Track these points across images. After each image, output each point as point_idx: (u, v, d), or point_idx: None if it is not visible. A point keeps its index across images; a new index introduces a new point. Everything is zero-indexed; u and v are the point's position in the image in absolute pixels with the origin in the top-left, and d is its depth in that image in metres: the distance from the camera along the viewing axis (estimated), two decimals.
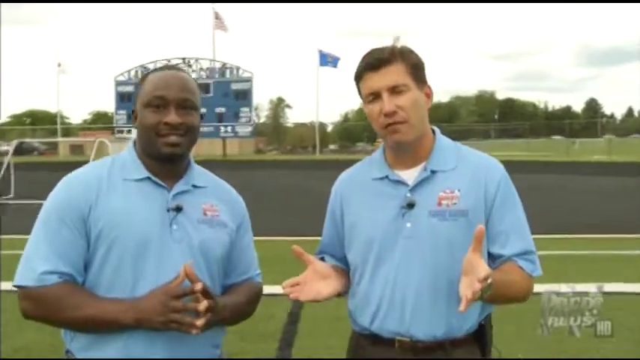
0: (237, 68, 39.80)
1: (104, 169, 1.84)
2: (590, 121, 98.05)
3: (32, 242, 1.76)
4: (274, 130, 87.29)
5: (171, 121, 1.78)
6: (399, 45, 1.89)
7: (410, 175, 1.90)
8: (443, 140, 1.97)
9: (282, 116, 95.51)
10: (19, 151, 29.03)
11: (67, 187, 1.81)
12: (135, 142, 1.90)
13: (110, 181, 1.80)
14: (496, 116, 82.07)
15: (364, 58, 1.89)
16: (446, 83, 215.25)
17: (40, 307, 1.72)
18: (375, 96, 1.85)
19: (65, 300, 1.70)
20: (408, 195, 1.87)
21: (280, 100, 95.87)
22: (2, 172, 18.17)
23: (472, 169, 1.90)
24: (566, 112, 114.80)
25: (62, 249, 1.72)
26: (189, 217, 1.82)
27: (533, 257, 1.89)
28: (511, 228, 1.88)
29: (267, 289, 6.74)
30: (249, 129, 40.50)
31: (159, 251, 1.75)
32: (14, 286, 1.74)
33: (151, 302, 1.68)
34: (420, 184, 1.88)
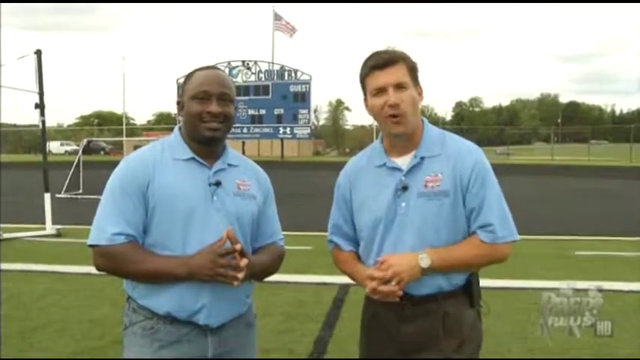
0: (296, 71, 39.94)
1: (156, 150, 2.24)
2: None
3: (102, 210, 2.15)
4: (333, 132, 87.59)
5: (213, 110, 2.18)
6: (397, 50, 2.25)
7: (403, 162, 2.26)
8: (430, 130, 2.32)
9: (341, 118, 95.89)
10: (87, 150, 30.15)
11: (128, 165, 2.20)
12: (180, 128, 2.30)
13: (162, 160, 2.19)
14: (559, 120, 79.72)
15: (370, 58, 2.25)
16: (509, 86, 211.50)
17: (111, 261, 2.11)
18: (380, 91, 2.20)
19: (130, 256, 2.09)
20: (403, 179, 2.23)
21: (339, 103, 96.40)
22: (72, 169, 19.09)
23: (454, 155, 2.24)
24: (637, 116, 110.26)
25: (127, 215, 2.11)
26: (226, 191, 2.21)
27: (492, 228, 2.19)
28: (481, 205, 2.20)
29: (318, 278, 7.03)
30: (308, 130, 40.66)
31: (203, 218, 2.14)
32: (89, 245, 2.13)
33: (201, 259, 2.07)
34: (412, 169, 2.24)
